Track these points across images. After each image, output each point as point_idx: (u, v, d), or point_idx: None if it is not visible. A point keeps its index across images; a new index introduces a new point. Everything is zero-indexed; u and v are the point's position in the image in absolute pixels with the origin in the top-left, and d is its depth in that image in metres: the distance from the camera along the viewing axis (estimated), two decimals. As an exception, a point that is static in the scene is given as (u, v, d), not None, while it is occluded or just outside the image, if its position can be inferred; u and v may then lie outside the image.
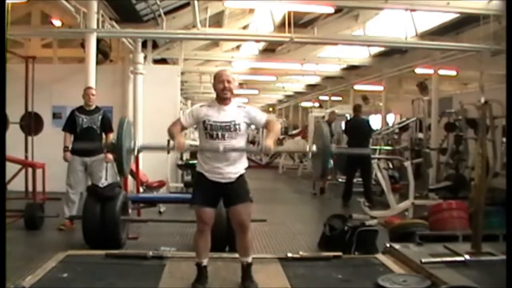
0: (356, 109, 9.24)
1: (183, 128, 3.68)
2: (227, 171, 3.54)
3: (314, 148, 3.64)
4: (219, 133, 3.50)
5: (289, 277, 3.89)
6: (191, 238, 4.12)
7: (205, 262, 3.65)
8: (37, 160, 7.51)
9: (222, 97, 3.56)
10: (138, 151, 3.68)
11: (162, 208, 7.32)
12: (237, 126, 3.52)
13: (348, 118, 11.48)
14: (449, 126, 10.47)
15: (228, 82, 3.54)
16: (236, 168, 3.57)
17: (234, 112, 3.56)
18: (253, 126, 3.96)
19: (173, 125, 3.65)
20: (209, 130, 3.52)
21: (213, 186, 3.56)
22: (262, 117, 3.62)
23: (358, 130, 8.67)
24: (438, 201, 6.97)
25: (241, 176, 3.61)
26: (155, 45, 10.71)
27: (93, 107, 6.30)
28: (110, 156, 6.27)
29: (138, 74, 9.27)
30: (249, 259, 3.68)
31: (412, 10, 8.91)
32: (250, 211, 3.65)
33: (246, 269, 3.67)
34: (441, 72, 10.94)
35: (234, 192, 3.57)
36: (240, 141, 3.57)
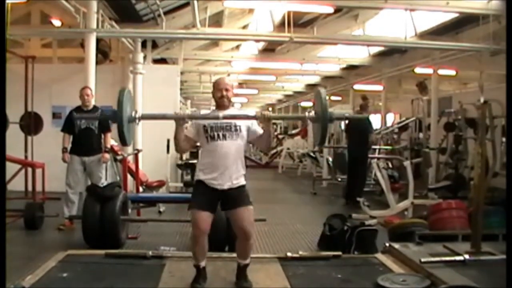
0: (362, 107, 9.18)
1: (189, 139, 3.65)
2: (226, 175, 3.51)
3: (312, 113, 3.59)
4: (220, 133, 3.52)
5: (288, 276, 3.89)
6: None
7: (203, 264, 3.64)
8: (37, 160, 7.51)
9: (220, 104, 3.63)
10: (139, 119, 3.64)
11: (161, 207, 7.33)
12: (238, 127, 3.55)
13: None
14: (448, 126, 10.48)
15: (226, 90, 3.61)
16: (235, 173, 3.54)
17: (234, 114, 3.65)
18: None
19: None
20: (209, 133, 3.54)
21: (211, 192, 3.53)
22: (258, 128, 3.63)
23: (358, 128, 8.67)
24: (438, 200, 6.98)
25: (242, 186, 3.59)
26: (154, 45, 10.71)
27: (90, 107, 6.30)
28: (107, 156, 6.29)
29: (137, 74, 9.28)
30: (247, 261, 3.68)
31: (411, 10, 8.91)
32: (252, 217, 3.59)
33: (242, 268, 3.68)
34: (441, 72, 10.94)
35: (234, 197, 3.54)
36: (240, 143, 3.58)
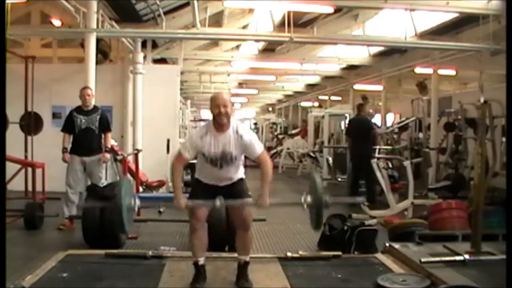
0: (359, 108, 9.16)
1: (187, 160, 3.64)
2: (224, 181, 3.66)
3: (309, 199, 3.67)
4: (218, 162, 3.58)
5: (288, 276, 3.90)
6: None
7: (202, 260, 3.65)
8: (36, 160, 7.51)
9: (218, 122, 3.53)
10: (139, 208, 3.73)
11: (161, 208, 7.31)
12: (234, 157, 3.58)
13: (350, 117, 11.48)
14: (448, 126, 10.48)
15: (224, 106, 3.48)
16: (233, 178, 3.68)
17: (231, 142, 3.55)
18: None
19: (177, 160, 3.62)
20: (209, 160, 3.58)
21: (211, 187, 3.65)
22: (256, 150, 3.58)
23: (360, 130, 8.64)
24: (438, 200, 6.97)
25: (240, 179, 3.71)
26: (154, 45, 10.71)
27: (91, 107, 6.29)
28: (107, 155, 6.29)
29: (137, 74, 9.28)
30: (247, 258, 3.70)
31: (411, 10, 8.91)
32: (250, 208, 3.69)
33: (243, 267, 3.69)
34: (441, 71, 10.93)
35: (233, 190, 3.64)
36: (237, 166, 3.67)
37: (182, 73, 11.70)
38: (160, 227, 6.20)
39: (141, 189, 7.52)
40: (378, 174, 7.44)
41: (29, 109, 8.02)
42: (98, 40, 7.85)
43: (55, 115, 9.01)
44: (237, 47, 13.88)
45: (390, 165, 9.79)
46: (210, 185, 3.65)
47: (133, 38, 9.41)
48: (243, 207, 3.64)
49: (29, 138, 8.03)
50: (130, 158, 7.48)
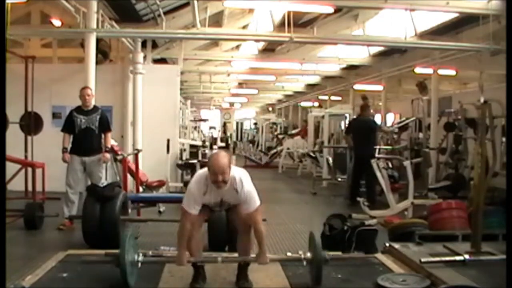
0: (363, 108, 9.15)
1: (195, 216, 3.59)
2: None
3: (308, 254, 3.71)
4: (218, 206, 3.71)
5: (288, 276, 3.91)
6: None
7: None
8: (36, 160, 7.51)
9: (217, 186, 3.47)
10: (142, 263, 3.72)
11: (161, 207, 7.32)
12: (232, 204, 3.65)
13: (350, 117, 11.50)
14: (448, 126, 10.48)
15: (223, 174, 3.38)
16: None
17: (228, 194, 3.55)
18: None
19: (186, 219, 3.53)
20: (209, 205, 3.66)
21: None
22: (248, 208, 3.54)
23: (362, 130, 8.63)
24: (438, 200, 6.96)
25: None
26: (154, 45, 10.72)
27: (91, 107, 6.30)
28: (107, 155, 6.30)
29: (137, 74, 9.28)
30: (248, 259, 3.69)
31: (411, 10, 8.91)
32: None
33: (243, 268, 3.70)
34: (441, 71, 10.92)
35: None
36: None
37: (182, 73, 11.70)
38: (160, 227, 6.19)
39: (141, 189, 7.52)
40: (378, 174, 7.43)
41: (29, 109, 8.02)
42: (98, 40, 7.85)
43: (55, 115, 9.02)
44: (237, 47, 13.88)
45: (390, 165, 9.79)
46: None
47: (133, 38, 9.41)
48: (240, 210, 3.63)
49: (29, 138, 8.04)
50: (130, 158, 7.48)
